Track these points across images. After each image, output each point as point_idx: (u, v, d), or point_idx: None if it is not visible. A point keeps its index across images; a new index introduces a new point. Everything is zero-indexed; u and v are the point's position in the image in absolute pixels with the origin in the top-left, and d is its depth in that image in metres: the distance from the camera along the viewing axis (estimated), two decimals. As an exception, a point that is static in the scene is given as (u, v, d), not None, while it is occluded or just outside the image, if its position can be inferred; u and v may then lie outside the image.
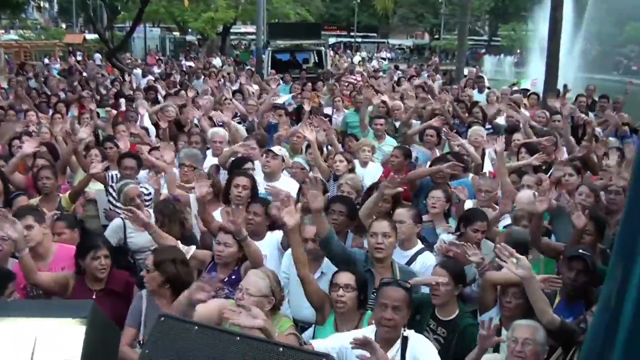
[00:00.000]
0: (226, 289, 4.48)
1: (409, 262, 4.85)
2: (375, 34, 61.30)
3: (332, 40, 48.56)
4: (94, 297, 4.36)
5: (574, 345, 3.51)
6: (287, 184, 6.27)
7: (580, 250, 4.27)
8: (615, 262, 1.88)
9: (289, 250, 4.88)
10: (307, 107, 9.60)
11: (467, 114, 10.24)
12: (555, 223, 5.16)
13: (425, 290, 4.38)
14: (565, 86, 13.84)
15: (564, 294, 4.28)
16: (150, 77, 17.75)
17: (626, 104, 11.68)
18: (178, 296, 3.79)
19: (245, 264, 4.60)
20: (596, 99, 11.91)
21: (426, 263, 4.81)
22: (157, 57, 29.13)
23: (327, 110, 11.65)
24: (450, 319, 4.13)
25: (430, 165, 6.76)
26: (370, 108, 9.69)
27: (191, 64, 24.99)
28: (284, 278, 4.73)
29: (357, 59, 36.37)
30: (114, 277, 4.59)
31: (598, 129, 9.19)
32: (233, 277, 4.60)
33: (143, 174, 6.89)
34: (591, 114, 10.41)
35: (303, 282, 4.27)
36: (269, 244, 5.16)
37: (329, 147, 7.99)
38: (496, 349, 3.97)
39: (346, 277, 4.05)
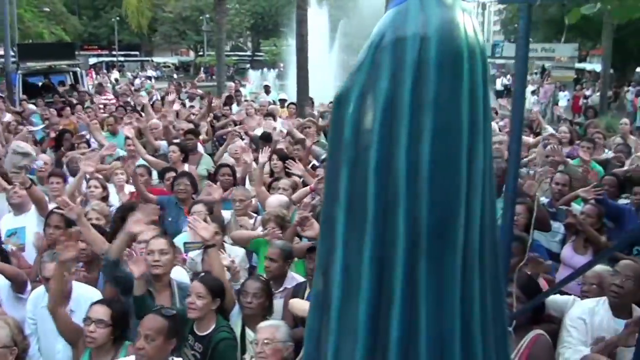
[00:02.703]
0: None
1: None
2: (137, 52, 59.92)
3: (93, 60, 46.50)
4: None
5: None
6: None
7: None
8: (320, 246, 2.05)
9: (33, 294, 4.53)
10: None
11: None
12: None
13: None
14: None
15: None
16: None
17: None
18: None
19: None
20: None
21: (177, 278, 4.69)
22: None
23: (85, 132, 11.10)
24: (206, 334, 4.06)
25: None
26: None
27: None
28: (31, 324, 4.38)
29: (114, 77, 35.01)
30: None
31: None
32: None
33: None
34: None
35: (54, 317, 4.07)
36: (1, 287, 4.67)
37: None
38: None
39: (100, 312, 3.81)
